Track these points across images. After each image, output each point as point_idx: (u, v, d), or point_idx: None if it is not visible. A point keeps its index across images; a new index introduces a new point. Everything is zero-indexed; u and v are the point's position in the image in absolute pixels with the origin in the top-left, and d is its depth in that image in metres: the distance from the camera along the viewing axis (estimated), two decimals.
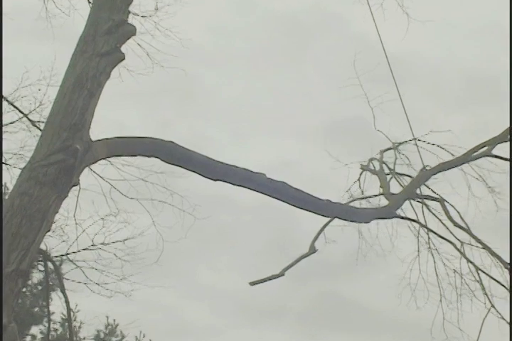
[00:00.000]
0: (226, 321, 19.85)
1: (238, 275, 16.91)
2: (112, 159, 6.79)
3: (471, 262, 9.17)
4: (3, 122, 9.39)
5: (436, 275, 9.45)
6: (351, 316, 18.15)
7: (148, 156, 6.08)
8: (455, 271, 9.46)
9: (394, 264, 9.76)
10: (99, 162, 5.94)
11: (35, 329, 12.47)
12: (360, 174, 9.97)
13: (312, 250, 8.56)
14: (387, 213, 8.11)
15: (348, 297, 17.02)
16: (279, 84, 16.24)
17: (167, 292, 9.77)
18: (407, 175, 9.58)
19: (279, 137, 17.24)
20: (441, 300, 9.29)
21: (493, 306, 9.09)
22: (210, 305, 18.48)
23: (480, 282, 9.24)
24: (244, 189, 6.37)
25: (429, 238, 9.47)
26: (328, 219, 8.49)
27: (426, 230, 9.41)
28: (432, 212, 9.31)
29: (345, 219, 7.73)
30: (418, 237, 9.66)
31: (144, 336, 13.24)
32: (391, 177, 9.49)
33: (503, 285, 8.95)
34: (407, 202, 8.93)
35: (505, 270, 9.01)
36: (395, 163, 9.72)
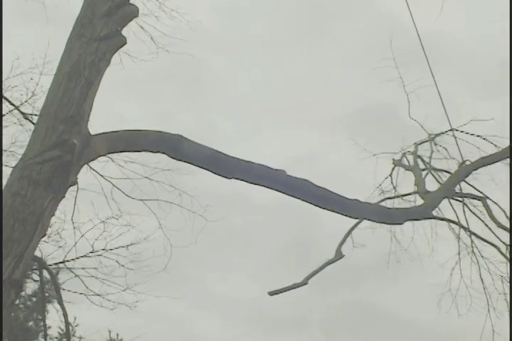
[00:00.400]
0: (239, 333, 19.97)
1: (253, 283, 17.00)
2: (113, 155, 6.83)
3: None
4: None
5: (482, 281, 9.41)
6: (381, 327, 18.18)
7: (154, 152, 6.12)
8: (502, 276, 9.42)
9: (431, 270, 9.77)
10: (99, 158, 5.98)
11: None
12: (392, 169, 9.97)
13: (339, 255, 8.59)
14: (422, 213, 8.10)
15: (377, 306, 17.04)
16: (296, 70, 16.21)
17: (175, 302, 9.84)
18: (445, 171, 9.58)
19: (296, 129, 17.25)
20: (489, 310, 9.26)
21: None
22: (222, 315, 18.61)
23: None
24: (261, 187, 6.36)
25: (471, 240, 9.45)
26: (357, 220, 8.50)
27: (467, 232, 9.39)
28: (473, 212, 9.28)
29: (375, 221, 7.77)
30: (459, 240, 9.65)
31: None
32: (427, 173, 9.48)
33: None
34: (445, 200, 8.92)
35: None
36: (431, 157, 9.69)
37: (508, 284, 9.27)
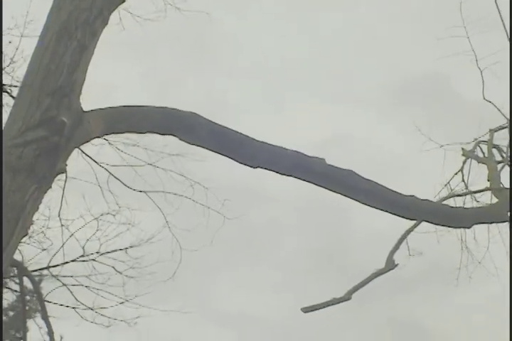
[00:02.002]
0: None
1: (274, 295, 17.14)
2: (110, 137, 6.90)
3: None
4: None
5: None
6: None
7: (162, 133, 6.19)
8: None
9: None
10: (94, 141, 6.04)
11: None
12: (464, 162, 10.02)
13: (390, 265, 8.74)
14: (495, 215, 8.09)
15: (427, 326, 17.14)
16: (323, 32, 16.17)
17: (183, 317, 9.91)
18: None
19: (326, 103, 17.20)
20: None
21: None
22: (238, 335, 18.79)
23: None
24: (286, 179, 6.39)
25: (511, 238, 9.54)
26: (414, 222, 8.56)
27: None
28: None
29: (436, 223, 7.78)
30: None
31: None
32: (503, 166, 9.48)
33: None
34: None
35: None
36: (509, 147, 9.71)
37: None
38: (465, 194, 9.61)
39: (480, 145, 10.03)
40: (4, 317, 13.01)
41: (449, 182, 10.04)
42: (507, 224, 9.55)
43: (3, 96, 9.13)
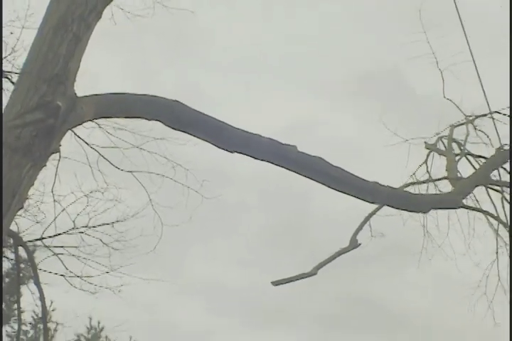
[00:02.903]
0: (224, 323, 20.41)
1: (242, 268, 17.30)
2: (101, 121, 6.98)
3: None
4: None
5: None
6: (386, 323, 18.57)
7: (149, 119, 6.23)
8: None
9: (467, 270, 9.95)
10: (86, 124, 6.11)
11: None
12: (428, 155, 10.07)
13: (354, 244, 8.77)
14: (451, 202, 8.20)
15: (382, 301, 17.33)
16: (294, 29, 16.24)
17: (162, 286, 10.01)
18: (481, 157, 9.65)
19: (292, 92, 17.29)
20: None
21: None
22: (207, 303, 18.97)
23: None
24: (257, 163, 6.47)
25: (510, 237, 9.59)
26: (376, 206, 8.63)
27: (506, 227, 9.53)
28: (510, 204, 9.41)
29: (397, 207, 7.86)
30: (497, 235, 9.80)
31: None
32: (460, 158, 9.58)
33: None
34: (481, 189, 9.08)
35: None
36: (465, 141, 9.79)
37: None
38: (425, 182, 9.67)
39: (442, 139, 10.06)
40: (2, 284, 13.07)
41: (414, 173, 10.06)
42: (465, 212, 9.70)
43: (3, 82, 9.14)
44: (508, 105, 9.62)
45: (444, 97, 9.80)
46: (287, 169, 6.71)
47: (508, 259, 9.60)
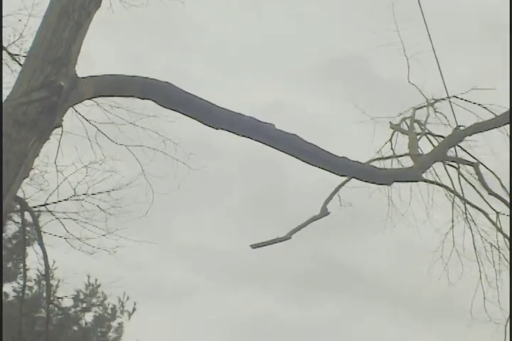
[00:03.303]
0: (208, 282, 20.59)
1: (224, 233, 17.45)
2: (99, 99, 6.95)
3: (503, 234, 9.41)
4: None
5: (475, 248, 9.71)
6: (351, 282, 18.79)
7: (142, 98, 6.22)
8: (491, 244, 9.71)
9: (427, 236, 10.05)
10: (85, 102, 6.10)
11: (8, 287, 12.89)
12: (392, 134, 10.12)
13: (324, 212, 8.81)
14: (410, 175, 8.24)
15: (347, 263, 17.54)
16: (272, 21, 16.30)
17: (151, 248, 10.09)
18: (440, 136, 9.71)
19: (272, 77, 17.37)
20: (480, 277, 9.58)
21: None
22: (192, 264, 19.13)
23: None
24: (238, 138, 6.50)
25: (465, 207, 9.68)
26: (345, 178, 8.68)
27: (461, 199, 9.60)
28: (464, 178, 9.49)
29: (363, 180, 7.88)
30: (453, 206, 9.89)
31: (127, 298, 13.65)
32: (420, 137, 9.64)
33: None
34: (440, 166, 9.16)
35: None
36: (425, 122, 9.84)
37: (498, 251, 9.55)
38: (389, 158, 9.72)
39: (405, 120, 10.10)
40: (9, 245, 13.07)
41: (380, 150, 10.12)
42: (426, 185, 9.77)
43: (12, 64, 9.10)
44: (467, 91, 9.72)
45: (409, 82, 9.84)
46: (266, 144, 6.71)
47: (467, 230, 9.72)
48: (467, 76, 11.44)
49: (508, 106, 9.09)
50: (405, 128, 9.93)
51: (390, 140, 10.15)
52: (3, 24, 9.00)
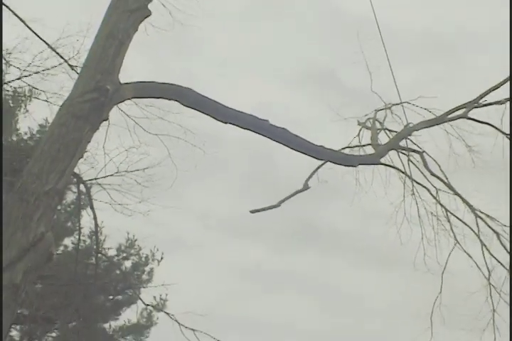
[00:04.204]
0: (215, 236, 20.83)
1: (229, 201, 17.65)
2: (136, 100, 7.02)
3: (441, 205, 9.54)
4: (48, 66, 9.68)
5: (419, 216, 9.85)
6: (326, 239, 18.97)
7: (169, 99, 6.28)
8: (432, 213, 9.84)
9: (384, 207, 10.12)
10: (126, 102, 6.17)
11: (67, 240, 13.05)
12: (360, 129, 10.17)
13: (305, 187, 8.85)
14: (371, 160, 8.38)
15: (324, 224, 17.70)
16: (263, 33, 16.26)
17: (174, 211, 10.16)
18: (394, 131, 9.78)
19: (257, 79, 17.35)
20: (422, 238, 9.74)
21: (457, 242, 9.55)
22: (203, 222, 19.32)
23: (449, 223, 9.67)
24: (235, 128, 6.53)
25: (413, 185, 9.79)
26: (322, 162, 8.75)
27: (410, 179, 9.70)
28: (413, 163, 9.59)
29: (335, 163, 7.97)
30: (404, 184, 9.99)
31: (157, 249, 13.85)
32: (379, 132, 9.70)
33: (466, 225, 9.39)
34: (395, 154, 9.25)
35: (472, 213, 9.43)
36: (384, 120, 9.92)
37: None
38: (356, 146, 9.78)
39: (369, 119, 10.13)
40: (68, 208, 13.17)
41: (351, 142, 10.16)
42: (384, 168, 9.84)
43: (72, 73, 9.17)
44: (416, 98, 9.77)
45: (372, 91, 9.90)
46: (262, 135, 6.77)
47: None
48: (415, 82, 11.47)
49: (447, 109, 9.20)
50: (369, 125, 9.98)
51: (358, 134, 10.22)
52: (66, 42, 9.12)
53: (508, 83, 8.80)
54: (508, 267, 9.13)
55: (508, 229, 9.23)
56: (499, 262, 9.23)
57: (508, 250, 9.14)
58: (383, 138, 9.63)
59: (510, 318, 8.86)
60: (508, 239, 9.21)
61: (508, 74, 8.88)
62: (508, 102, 9.03)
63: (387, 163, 9.48)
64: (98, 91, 5.52)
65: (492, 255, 9.33)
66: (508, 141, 9.15)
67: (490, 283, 9.39)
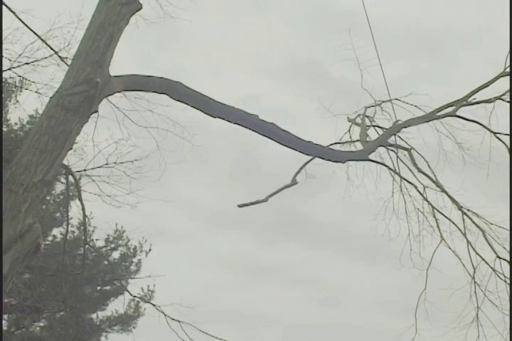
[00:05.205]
0: (200, 226, 20.89)
1: (212, 190, 17.68)
2: (126, 93, 7.02)
3: (428, 202, 9.59)
4: (38, 58, 9.63)
5: (406, 212, 9.90)
6: (311, 228, 19.08)
7: (159, 93, 6.28)
8: (418, 209, 9.90)
9: (374, 201, 10.17)
10: (116, 94, 6.17)
11: (56, 231, 13.03)
12: (350, 126, 10.17)
13: (294, 182, 8.79)
14: (360, 156, 8.38)
15: (310, 214, 17.82)
16: (252, 28, 16.27)
17: (161, 203, 10.17)
18: (384, 128, 9.78)
19: (244, 72, 17.35)
20: (409, 234, 9.79)
21: (443, 239, 9.62)
22: (188, 212, 19.35)
23: (435, 219, 9.74)
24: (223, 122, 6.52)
25: (401, 181, 9.83)
26: (310, 157, 8.74)
27: (398, 175, 9.74)
28: (401, 159, 9.62)
29: (324, 159, 7.96)
30: (393, 180, 10.03)
31: (145, 241, 13.88)
32: (369, 128, 9.71)
33: (451, 222, 9.46)
34: (384, 150, 9.28)
35: (459, 210, 9.51)
36: (373, 117, 9.91)
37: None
38: (344, 142, 9.77)
39: (359, 115, 10.12)
40: (57, 199, 13.16)
41: (341, 138, 10.13)
42: (375, 165, 9.86)
43: (62, 64, 9.13)
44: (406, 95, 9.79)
45: (362, 88, 9.89)
46: (251, 130, 6.78)
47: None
48: (402, 78, 11.51)
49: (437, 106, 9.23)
50: (359, 121, 9.97)
51: (349, 130, 10.20)
52: (56, 34, 9.06)
53: (496, 82, 8.85)
54: (492, 265, 9.22)
55: (494, 227, 9.30)
56: (483, 260, 9.30)
57: (492, 248, 9.21)
58: (372, 134, 9.66)
59: (511, 318, 8.85)
60: (494, 236, 9.27)
61: (497, 73, 8.94)
62: (497, 101, 9.07)
63: (376, 159, 9.51)
64: (88, 84, 5.52)
65: (477, 253, 9.41)
66: (495, 139, 9.21)
67: (474, 281, 9.47)
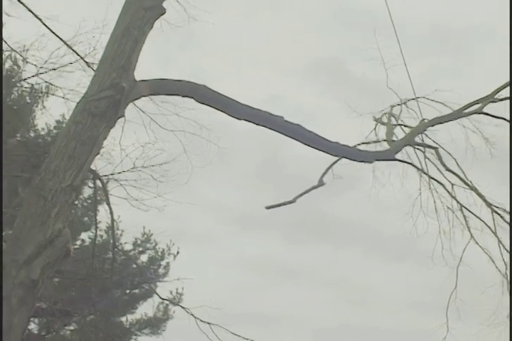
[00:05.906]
0: (227, 229, 20.86)
1: (239, 192, 17.60)
2: (152, 97, 7.03)
3: (456, 200, 9.46)
4: (64, 63, 9.71)
5: (436, 210, 9.79)
6: (337, 229, 18.90)
7: (184, 96, 6.29)
8: (448, 207, 9.78)
9: (402, 199, 10.05)
10: (142, 98, 6.18)
11: (84, 235, 13.12)
12: (376, 125, 10.09)
13: (321, 183, 8.71)
14: (386, 155, 8.30)
15: (334, 213, 17.68)
16: (272, 27, 16.12)
17: (189, 206, 10.15)
18: (410, 127, 9.67)
19: (265, 72, 17.20)
20: (439, 232, 9.68)
21: (473, 237, 9.49)
22: (215, 214, 19.27)
23: (464, 217, 9.60)
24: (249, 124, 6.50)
25: (429, 180, 9.72)
26: (337, 158, 8.67)
27: (426, 174, 9.63)
28: (428, 158, 9.51)
29: (351, 159, 7.91)
30: (420, 178, 9.92)
31: (173, 244, 13.88)
32: (395, 127, 9.62)
33: (481, 220, 9.32)
34: (411, 149, 9.17)
35: (488, 208, 9.36)
36: (399, 115, 9.82)
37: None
38: (370, 142, 9.67)
39: (385, 114, 10.02)
40: (85, 203, 13.22)
41: (366, 137, 10.04)
42: (401, 164, 9.75)
43: (88, 70, 9.18)
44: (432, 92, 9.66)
45: (387, 87, 9.80)
46: (277, 132, 6.74)
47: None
48: (424, 75, 11.35)
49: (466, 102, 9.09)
50: (385, 120, 9.88)
51: (374, 129, 10.13)
52: (82, 39, 9.12)
53: None
54: None
55: None
56: None
57: None
58: (399, 134, 9.55)
59: (511, 317, 8.76)
60: None
61: None
62: None
63: (403, 158, 9.40)
64: (114, 89, 5.53)
65: (507, 250, 9.25)
66: None
67: (506, 278, 9.31)
